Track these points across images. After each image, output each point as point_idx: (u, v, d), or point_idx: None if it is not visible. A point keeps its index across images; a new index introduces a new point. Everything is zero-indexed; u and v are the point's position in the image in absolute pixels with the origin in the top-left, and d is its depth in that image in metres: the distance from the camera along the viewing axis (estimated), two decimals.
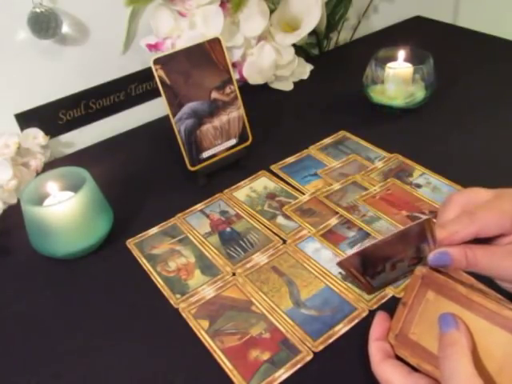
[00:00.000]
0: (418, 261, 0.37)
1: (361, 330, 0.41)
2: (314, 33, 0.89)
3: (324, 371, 0.40)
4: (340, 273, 0.48)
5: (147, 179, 0.65)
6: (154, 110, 0.79)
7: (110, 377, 0.42)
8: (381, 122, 0.71)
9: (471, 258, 0.35)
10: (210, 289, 0.48)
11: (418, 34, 0.95)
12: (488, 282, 0.37)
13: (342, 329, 0.43)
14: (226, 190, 0.61)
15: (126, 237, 0.55)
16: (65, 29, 0.67)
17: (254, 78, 0.78)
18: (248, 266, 0.50)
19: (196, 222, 0.57)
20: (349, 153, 0.65)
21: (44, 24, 0.63)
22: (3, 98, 0.67)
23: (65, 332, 0.46)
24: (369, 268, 0.37)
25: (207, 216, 0.57)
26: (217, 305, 0.46)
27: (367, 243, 0.34)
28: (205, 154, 0.61)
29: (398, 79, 0.69)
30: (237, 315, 0.45)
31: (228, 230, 0.55)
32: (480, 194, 0.38)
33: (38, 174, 0.65)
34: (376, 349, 0.36)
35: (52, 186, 0.54)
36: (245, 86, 0.75)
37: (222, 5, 0.70)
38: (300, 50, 0.88)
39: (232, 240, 0.54)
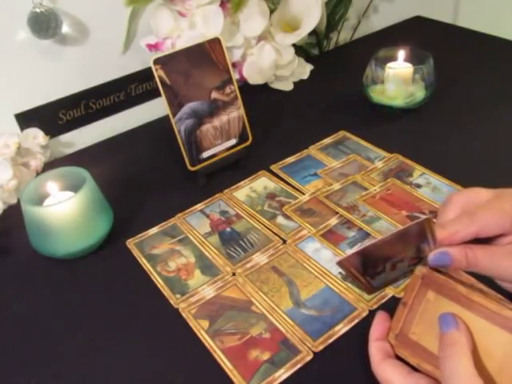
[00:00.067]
0: (418, 261, 0.37)
1: (361, 330, 0.41)
2: (314, 33, 0.89)
3: (324, 371, 0.40)
4: (340, 273, 0.48)
5: (147, 179, 0.65)
6: (154, 110, 0.79)
7: (110, 377, 0.42)
8: (381, 122, 0.71)
9: (471, 258, 0.35)
10: (210, 289, 0.48)
11: (418, 33, 0.96)
12: (488, 281, 0.37)
13: (342, 329, 0.43)
14: (226, 190, 0.61)
15: (126, 237, 0.55)
16: (65, 29, 0.67)
17: (254, 78, 0.78)
18: (248, 265, 0.50)
19: (196, 221, 0.57)
20: (349, 153, 0.65)
21: (44, 24, 0.63)
22: (3, 97, 0.67)
23: (65, 332, 0.46)
24: (369, 268, 0.37)
25: (207, 216, 0.57)
26: (217, 305, 0.46)
27: (367, 243, 0.34)
28: (205, 154, 0.61)
29: (398, 79, 0.69)
30: (237, 315, 0.45)
31: (228, 229, 0.55)
32: (480, 194, 0.38)
33: (38, 174, 0.65)
34: (376, 349, 0.36)
35: (52, 185, 0.54)
36: (245, 86, 0.75)
37: (222, 5, 0.70)
38: (300, 49, 0.88)
39: (232, 240, 0.54)
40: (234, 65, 0.75)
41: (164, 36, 0.71)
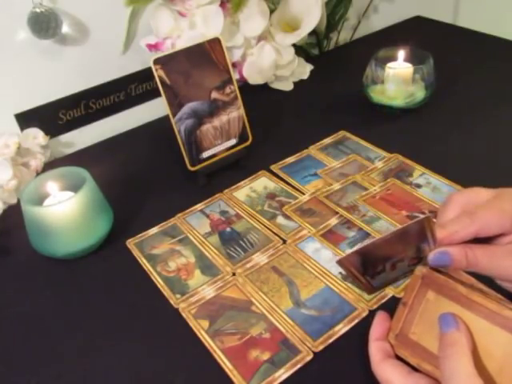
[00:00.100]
0: (418, 261, 0.37)
1: (361, 330, 0.41)
2: (314, 33, 0.89)
3: (324, 371, 0.40)
4: (340, 273, 0.48)
5: (147, 179, 0.65)
6: (154, 110, 0.79)
7: (110, 377, 0.42)
8: (381, 122, 0.71)
9: (471, 257, 0.35)
10: (210, 289, 0.48)
11: (418, 34, 0.96)
12: (488, 281, 0.37)
13: (342, 329, 0.43)
14: (226, 190, 0.61)
15: (126, 237, 0.55)
16: (65, 29, 0.67)
17: (253, 78, 0.78)
18: (248, 265, 0.50)
19: (196, 222, 0.57)
20: (349, 153, 0.65)
21: (44, 24, 0.63)
22: (3, 97, 0.67)
23: (65, 332, 0.46)
24: (369, 268, 0.37)
25: (207, 216, 0.57)
26: (217, 305, 0.46)
27: (367, 242, 0.34)
28: (205, 154, 0.61)
29: (398, 79, 0.69)
30: (237, 315, 0.45)
31: (228, 229, 0.55)
32: (480, 194, 0.38)
33: (38, 174, 0.65)
34: (376, 349, 0.36)
35: (52, 185, 0.54)
36: (245, 86, 0.75)
37: (222, 5, 0.70)
38: (300, 49, 0.88)
39: (232, 240, 0.54)
40: (234, 65, 0.75)
41: (164, 36, 0.71)
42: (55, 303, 0.49)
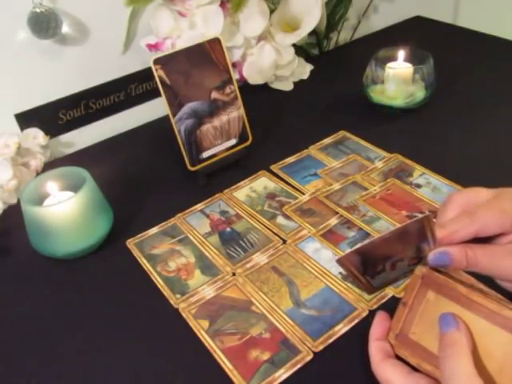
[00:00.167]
0: (418, 260, 0.37)
1: (361, 330, 0.41)
2: (314, 33, 0.89)
3: (324, 371, 0.40)
4: (340, 273, 0.48)
5: (147, 179, 0.65)
6: (154, 110, 0.79)
7: (110, 377, 0.42)
8: (381, 122, 0.71)
9: (471, 257, 0.34)
10: (210, 289, 0.48)
11: (417, 33, 0.96)
12: (488, 281, 0.37)
13: (342, 329, 0.43)
14: (226, 190, 0.61)
15: (126, 237, 0.55)
16: (65, 29, 0.67)
17: (254, 78, 0.78)
18: (248, 265, 0.50)
19: (196, 222, 0.57)
20: (349, 153, 0.65)
21: (44, 24, 0.63)
22: (3, 97, 0.67)
23: (65, 332, 0.46)
24: (369, 268, 0.37)
25: (207, 216, 0.57)
26: (217, 305, 0.46)
27: (367, 241, 0.34)
28: (205, 154, 0.61)
29: (398, 79, 0.69)
30: (237, 315, 0.45)
31: (228, 229, 0.55)
32: (480, 194, 0.38)
33: (38, 173, 0.65)
34: (376, 349, 0.36)
35: (52, 185, 0.54)
36: (245, 86, 0.75)
37: (222, 5, 0.70)
38: (300, 49, 0.88)
39: (232, 240, 0.54)
40: (234, 65, 0.75)
41: (164, 36, 0.71)
42: (55, 303, 0.49)
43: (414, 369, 0.35)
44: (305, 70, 0.86)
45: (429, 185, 0.58)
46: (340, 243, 0.52)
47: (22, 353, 0.45)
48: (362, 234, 0.52)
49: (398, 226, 0.34)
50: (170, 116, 0.57)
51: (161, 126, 0.73)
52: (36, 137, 0.67)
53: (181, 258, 0.52)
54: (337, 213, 0.55)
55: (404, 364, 0.35)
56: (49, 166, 0.66)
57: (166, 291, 0.48)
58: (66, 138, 0.75)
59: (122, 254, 0.53)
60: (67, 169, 0.55)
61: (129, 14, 0.72)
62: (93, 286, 0.50)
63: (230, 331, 0.44)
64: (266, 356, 0.41)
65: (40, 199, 0.53)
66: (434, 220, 0.38)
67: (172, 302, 0.47)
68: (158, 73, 0.56)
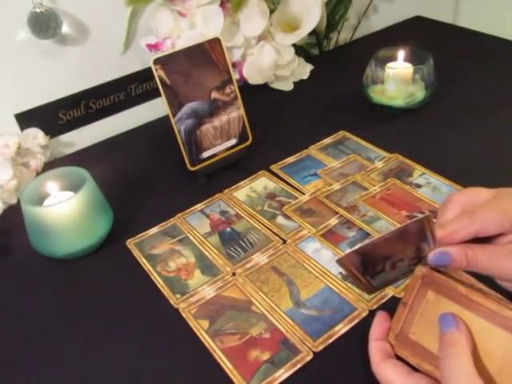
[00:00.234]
0: (418, 260, 0.37)
1: (361, 330, 0.41)
2: (314, 33, 0.89)
3: (324, 371, 0.40)
4: (340, 273, 0.48)
5: (147, 179, 0.65)
6: (154, 110, 0.79)
7: (110, 377, 0.42)
8: (381, 122, 0.71)
9: (471, 257, 0.35)
10: (210, 289, 0.48)
11: (417, 34, 0.96)
12: (488, 281, 0.37)
13: (342, 329, 0.43)
14: (226, 190, 0.61)
15: (126, 237, 0.55)
16: (65, 29, 0.67)
17: (254, 78, 0.78)
18: (248, 266, 0.50)
19: (196, 222, 0.57)
20: (349, 153, 0.65)
21: (44, 24, 0.63)
22: (3, 97, 0.67)
23: (65, 332, 0.46)
24: (369, 268, 0.37)
25: (207, 216, 0.57)
26: (217, 305, 0.46)
27: (367, 241, 0.34)
28: (205, 154, 0.61)
29: (398, 79, 0.69)
30: (237, 315, 0.45)
31: (228, 230, 0.55)
32: (480, 194, 0.38)
33: (38, 173, 0.65)
34: (376, 349, 0.36)
35: (52, 185, 0.54)
36: (245, 86, 0.75)
37: (222, 5, 0.70)
38: (300, 49, 0.88)
39: (232, 240, 0.54)
40: (234, 65, 0.75)
41: (164, 36, 0.71)
42: (55, 303, 0.49)
43: (414, 369, 0.35)
44: (305, 69, 0.86)
45: (429, 185, 0.58)
46: (340, 243, 0.52)
47: (21, 353, 0.45)
48: (362, 234, 0.52)
49: (398, 226, 0.34)
50: (170, 116, 0.57)
51: (161, 125, 0.73)
52: (36, 137, 0.67)
53: (181, 258, 0.52)
54: (337, 213, 0.55)
55: (404, 364, 0.35)
56: (49, 166, 0.66)
57: (165, 291, 0.48)
58: (65, 137, 0.75)
59: (122, 254, 0.53)
60: (67, 169, 0.55)
61: (129, 14, 0.72)
62: (93, 286, 0.50)
63: (229, 331, 0.44)
64: (266, 356, 0.41)
65: (40, 199, 0.53)
66: (434, 220, 0.38)
67: (172, 302, 0.47)
68: (158, 73, 0.56)
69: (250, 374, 0.40)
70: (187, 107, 0.58)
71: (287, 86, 0.83)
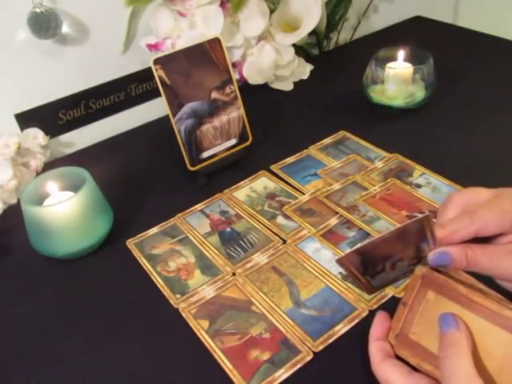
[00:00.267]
0: (418, 260, 0.37)
1: (361, 330, 0.41)
2: (314, 33, 0.89)
3: (324, 371, 0.40)
4: (340, 273, 0.48)
5: (147, 179, 0.65)
6: (154, 110, 0.79)
7: (110, 377, 0.42)
8: (381, 122, 0.71)
9: (471, 257, 0.35)
10: (210, 289, 0.48)
11: (417, 34, 0.96)
12: (488, 281, 0.37)
13: (342, 329, 0.43)
14: (226, 190, 0.61)
15: (126, 237, 0.55)
16: (65, 29, 0.67)
17: (254, 78, 0.78)
18: (248, 265, 0.50)
19: (196, 222, 0.57)
20: (349, 153, 0.65)
21: (44, 24, 0.63)
22: (3, 97, 0.67)
23: (65, 332, 0.46)
24: (369, 268, 0.37)
25: (207, 216, 0.57)
26: (217, 305, 0.46)
27: (367, 241, 0.34)
28: (205, 154, 0.61)
29: (398, 79, 0.69)
30: (237, 315, 0.45)
31: (228, 230, 0.55)
32: (480, 194, 0.38)
33: (38, 174, 0.65)
34: (376, 349, 0.36)
35: (52, 185, 0.54)
36: (245, 86, 0.75)
37: (222, 5, 0.70)
38: (300, 49, 0.88)
39: (232, 240, 0.54)
40: (234, 65, 0.75)
41: (164, 36, 0.71)
42: (55, 303, 0.49)
43: (414, 369, 0.35)
44: (305, 69, 0.86)
45: (429, 185, 0.58)
46: (340, 243, 0.52)
47: (21, 353, 0.45)
48: (362, 233, 0.52)
49: (398, 225, 0.34)
50: (170, 116, 0.57)
51: (161, 125, 0.73)
52: (36, 137, 0.67)
53: (181, 258, 0.52)
54: (337, 213, 0.55)
55: (404, 364, 0.35)
56: (49, 166, 0.66)
57: (165, 291, 0.48)
58: (65, 137, 0.75)
59: (122, 254, 0.53)
60: (67, 169, 0.55)
61: (129, 14, 0.72)
62: (93, 286, 0.50)
63: (229, 331, 0.44)
64: (266, 356, 0.41)
65: (40, 199, 0.53)
66: (434, 220, 0.38)
67: (172, 302, 0.47)
68: (158, 73, 0.56)
69: (250, 374, 0.40)
70: (187, 107, 0.58)
71: (287, 86, 0.83)
